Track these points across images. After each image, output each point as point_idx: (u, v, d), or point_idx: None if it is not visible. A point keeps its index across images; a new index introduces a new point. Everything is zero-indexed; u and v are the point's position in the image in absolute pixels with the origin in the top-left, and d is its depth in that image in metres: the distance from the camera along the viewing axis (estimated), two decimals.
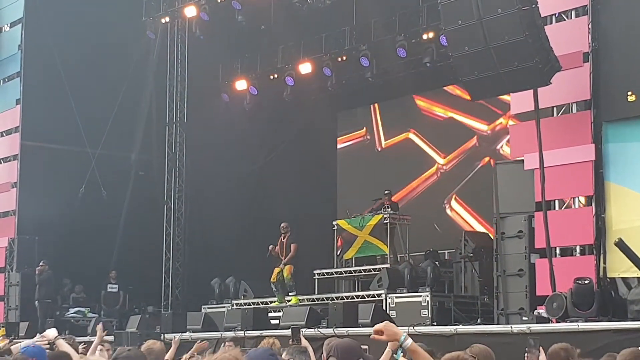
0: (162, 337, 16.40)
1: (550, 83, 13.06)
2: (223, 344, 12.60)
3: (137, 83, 22.85)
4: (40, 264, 20.98)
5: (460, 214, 22.60)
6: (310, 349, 7.02)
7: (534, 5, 12.76)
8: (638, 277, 12.79)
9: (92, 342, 9.69)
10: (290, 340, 7.36)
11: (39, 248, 21.61)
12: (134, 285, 22.27)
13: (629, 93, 13.21)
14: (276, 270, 18.56)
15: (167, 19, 22.47)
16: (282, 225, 18.84)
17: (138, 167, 23.71)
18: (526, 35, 12.55)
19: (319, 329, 14.97)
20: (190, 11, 21.48)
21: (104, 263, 21.98)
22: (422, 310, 15.68)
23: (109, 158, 22.74)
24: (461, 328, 13.71)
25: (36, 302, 20.97)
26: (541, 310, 13.25)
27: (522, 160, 14.46)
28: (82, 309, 21.61)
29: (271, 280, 18.61)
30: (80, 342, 9.42)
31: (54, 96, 21.78)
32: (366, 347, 7.48)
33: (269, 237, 19.21)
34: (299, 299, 18.21)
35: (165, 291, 23.02)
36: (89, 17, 21.70)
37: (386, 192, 19.69)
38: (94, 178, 22.43)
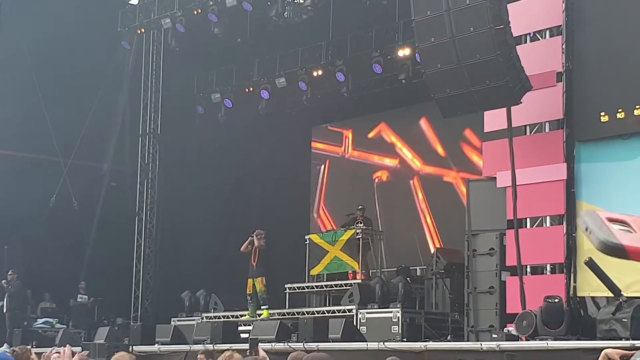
0: (130, 349, 16.27)
1: (521, 102, 13.15)
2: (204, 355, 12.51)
3: (111, 93, 22.75)
4: (9, 273, 20.78)
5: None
6: None
7: (506, 25, 12.85)
8: (607, 297, 12.85)
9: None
10: (248, 352, 7.29)
11: (8, 257, 21.40)
12: (103, 296, 22.11)
13: (602, 113, 13.30)
14: (250, 281, 18.43)
15: (143, 30, 22.37)
16: (258, 230, 18.62)
17: (110, 178, 23.59)
18: (497, 55, 12.65)
19: (289, 344, 14.91)
20: (166, 23, 21.41)
21: (74, 273, 21.81)
22: (393, 326, 15.68)
23: (81, 168, 22.58)
24: (431, 344, 13.71)
25: (5, 312, 20.75)
26: (511, 328, 13.28)
27: (495, 178, 14.52)
28: (50, 320, 21.41)
29: (247, 292, 18.49)
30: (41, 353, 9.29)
31: (27, 104, 21.61)
32: None
33: (239, 248, 19.12)
34: (270, 313, 18.14)
35: (135, 303, 22.87)
36: (64, 25, 21.54)
37: (359, 207, 19.70)
38: (65, 188, 22.27)
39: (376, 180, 23.90)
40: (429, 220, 22.80)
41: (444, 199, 22.19)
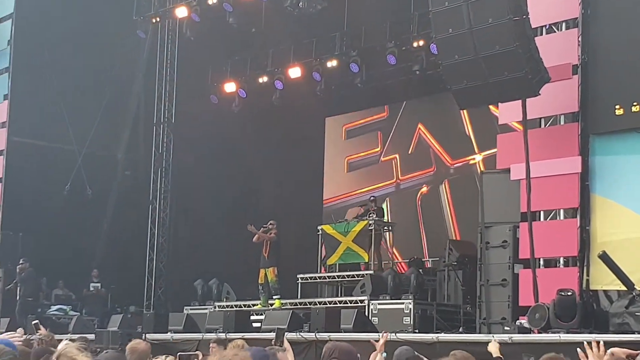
0: (143, 337, 16.33)
1: (539, 94, 13.09)
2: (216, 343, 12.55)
3: (126, 82, 22.81)
4: (20, 262, 20.86)
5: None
6: (291, 353, 7.00)
7: (524, 16, 12.78)
8: (619, 290, 12.83)
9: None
10: (273, 341, 7.31)
11: (22, 244, 21.49)
12: (116, 284, 22.19)
13: (617, 106, 13.25)
14: (262, 272, 18.49)
15: (158, 19, 22.42)
16: (271, 222, 18.68)
17: (124, 167, 23.66)
18: (516, 46, 12.57)
19: (301, 333, 14.94)
20: (182, 12, 21.45)
21: (87, 261, 21.90)
22: (405, 318, 15.68)
23: (95, 156, 22.67)
24: (443, 336, 13.70)
25: (17, 299, 20.85)
26: (523, 321, 13.27)
27: (509, 170, 14.48)
28: (64, 307, 21.49)
29: (259, 281, 18.55)
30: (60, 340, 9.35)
31: (43, 93, 21.70)
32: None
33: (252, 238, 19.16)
34: (282, 303, 18.19)
35: (148, 291, 22.96)
36: (79, 14, 21.62)
37: (371, 198, 19.71)
38: (79, 176, 22.36)
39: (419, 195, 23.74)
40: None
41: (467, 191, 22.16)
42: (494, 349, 7.74)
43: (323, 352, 5.55)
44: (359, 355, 5.72)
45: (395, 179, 23.97)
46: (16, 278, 20.91)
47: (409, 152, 23.68)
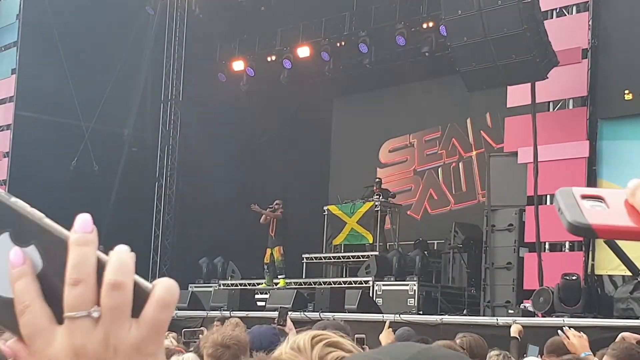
0: None
1: (547, 77, 13.06)
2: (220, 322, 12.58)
3: (134, 59, 22.74)
4: None
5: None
6: (294, 332, 7.00)
7: None
8: (624, 276, 12.83)
9: None
10: (276, 320, 7.32)
11: None
12: None
13: (626, 91, 13.21)
14: (268, 251, 18.54)
15: None
16: (277, 201, 18.72)
17: (131, 143, 23.63)
18: (525, 29, 12.54)
19: (305, 313, 14.98)
20: None
21: None
22: (409, 299, 15.71)
23: (102, 132, 22.64)
24: (447, 318, 13.74)
25: None
26: (527, 304, 13.29)
27: (516, 153, 14.46)
28: None
29: (264, 261, 18.60)
30: None
31: (50, 68, 21.65)
32: (363, 336, 7.50)
33: (259, 218, 19.19)
34: (287, 282, 18.22)
35: (153, 268, 23.00)
36: None
37: (376, 179, 19.67)
38: (86, 152, 22.36)
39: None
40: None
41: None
42: (514, 329, 8.14)
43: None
44: (363, 335, 5.72)
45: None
46: None
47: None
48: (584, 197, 1.09)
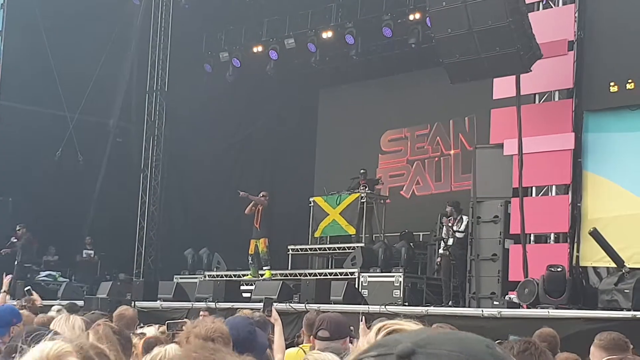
0: (132, 304, 16.34)
1: (531, 70, 13.06)
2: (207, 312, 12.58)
3: (119, 49, 22.63)
4: (17, 228, 20.81)
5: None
6: (279, 323, 6.99)
7: None
8: (609, 267, 12.87)
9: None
10: (262, 311, 7.31)
11: (13, 210, 21.45)
12: (106, 252, 22.17)
13: (612, 83, 13.23)
14: (253, 243, 18.52)
15: None
16: (263, 192, 18.68)
17: (116, 134, 23.54)
18: (509, 21, 12.54)
19: (291, 304, 14.96)
20: None
21: (78, 228, 21.86)
22: (394, 291, 15.72)
23: (87, 123, 22.54)
24: (432, 309, 13.74)
25: (16, 264, 20.83)
26: (512, 296, 13.32)
27: (502, 145, 14.47)
28: (53, 273, 21.49)
29: (249, 252, 18.58)
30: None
31: (35, 57, 21.52)
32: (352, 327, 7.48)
33: (244, 210, 19.14)
34: (272, 274, 18.21)
35: (138, 259, 22.96)
36: None
37: (362, 170, 19.61)
38: (71, 142, 22.26)
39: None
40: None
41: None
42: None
43: (312, 322, 5.52)
44: (351, 327, 5.70)
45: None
46: (13, 242, 20.89)
47: None
48: None
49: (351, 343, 5.47)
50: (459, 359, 1.14)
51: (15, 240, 20.94)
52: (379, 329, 1.58)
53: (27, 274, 20.95)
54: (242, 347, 4.46)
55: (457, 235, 15.58)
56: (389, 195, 21.60)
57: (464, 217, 15.63)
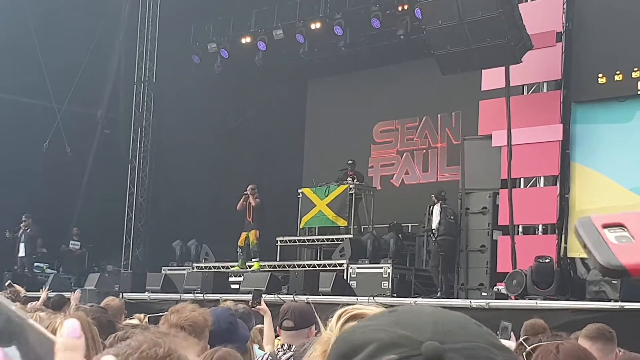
0: (120, 296, 16.31)
1: (521, 61, 13.08)
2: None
3: (107, 40, 22.53)
4: (24, 218, 20.75)
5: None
6: (268, 314, 6.98)
7: None
8: None
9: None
10: (250, 302, 7.30)
11: (0, 200, 21.38)
12: (94, 243, 22.12)
13: (600, 75, 13.26)
14: (243, 234, 18.49)
15: None
16: (251, 186, 18.65)
17: (104, 125, 23.47)
18: (500, 12, 12.56)
19: (279, 296, 14.96)
20: None
21: (65, 220, 21.79)
22: (383, 282, 15.73)
23: (74, 114, 22.46)
24: (420, 301, 13.75)
25: (23, 257, 20.82)
26: (501, 287, 13.35)
27: (490, 137, 14.48)
28: (41, 265, 21.44)
29: (238, 244, 18.55)
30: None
31: (22, 48, 21.42)
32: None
33: (233, 201, 19.12)
34: (261, 265, 18.19)
35: (126, 251, 22.89)
36: None
37: (349, 161, 19.54)
38: (58, 134, 22.17)
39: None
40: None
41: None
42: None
43: (279, 313, 5.53)
44: (318, 318, 5.69)
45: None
46: (18, 232, 20.90)
47: None
48: (605, 226, 1.04)
49: (317, 332, 5.45)
50: (488, 352, 1.07)
51: (26, 229, 20.87)
52: (340, 316, 1.55)
53: (14, 265, 20.91)
54: (222, 338, 4.47)
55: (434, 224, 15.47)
56: (380, 183, 21.77)
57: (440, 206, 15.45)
